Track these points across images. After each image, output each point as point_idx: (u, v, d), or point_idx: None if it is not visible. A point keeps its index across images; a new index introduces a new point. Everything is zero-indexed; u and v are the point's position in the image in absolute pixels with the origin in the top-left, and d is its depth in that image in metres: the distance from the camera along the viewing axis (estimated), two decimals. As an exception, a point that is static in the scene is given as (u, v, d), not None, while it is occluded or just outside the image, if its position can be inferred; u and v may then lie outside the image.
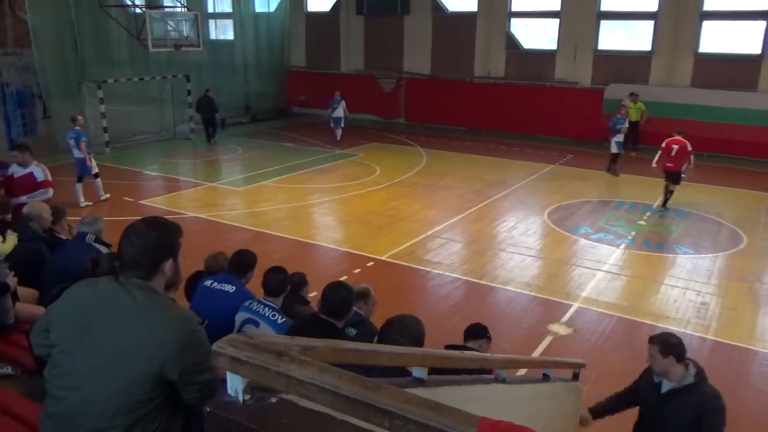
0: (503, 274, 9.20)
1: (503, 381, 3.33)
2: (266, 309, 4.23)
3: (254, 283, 4.76)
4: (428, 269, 9.32)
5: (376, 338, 3.47)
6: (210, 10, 26.06)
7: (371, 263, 9.43)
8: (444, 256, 9.87)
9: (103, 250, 5.03)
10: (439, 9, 21.66)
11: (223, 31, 26.61)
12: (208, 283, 4.67)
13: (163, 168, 15.95)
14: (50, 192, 8.14)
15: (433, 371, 2.63)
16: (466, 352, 3.69)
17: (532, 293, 8.53)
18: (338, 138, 18.89)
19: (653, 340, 3.72)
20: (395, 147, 18.67)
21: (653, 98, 17.52)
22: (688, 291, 8.61)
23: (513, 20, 20.68)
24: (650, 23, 18.37)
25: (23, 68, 17.64)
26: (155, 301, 2.19)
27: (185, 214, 11.70)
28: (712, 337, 7.35)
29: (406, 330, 3.23)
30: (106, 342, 2.10)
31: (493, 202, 13.03)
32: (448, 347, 4.06)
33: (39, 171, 8.14)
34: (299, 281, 5.01)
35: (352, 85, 22.23)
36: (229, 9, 25.50)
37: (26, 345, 3.38)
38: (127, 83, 19.09)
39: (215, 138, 19.11)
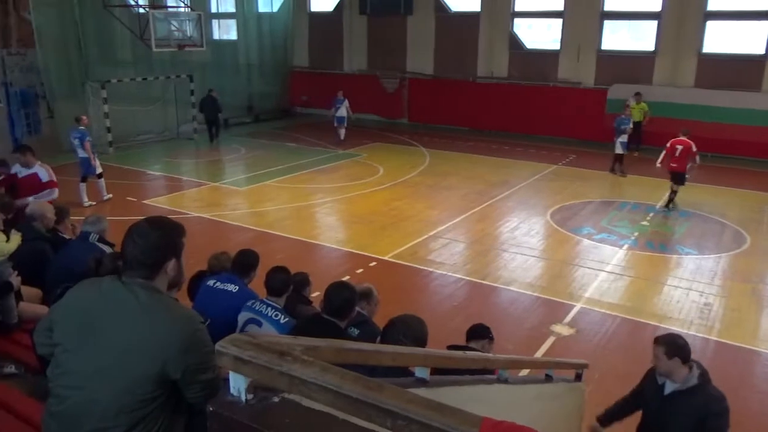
0: (506, 274, 9.19)
1: (506, 381, 3.33)
2: (269, 309, 4.23)
3: (257, 283, 4.76)
4: (431, 269, 9.32)
5: (378, 338, 3.47)
6: (213, 10, 26.11)
7: (374, 263, 9.43)
8: (447, 256, 9.87)
9: (107, 249, 5.04)
10: (442, 9, 21.65)
11: (226, 31, 26.63)
12: (211, 282, 4.68)
13: (166, 168, 15.98)
14: (56, 192, 8.16)
15: (435, 371, 2.63)
16: (469, 353, 3.69)
17: (535, 294, 8.52)
18: (342, 137, 18.88)
19: (659, 341, 3.70)
20: (398, 147, 18.67)
21: (657, 98, 17.49)
22: (691, 292, 8.59)
23: (516, 20, 20.65)
24: (654, 23, 18.33)
25: (27, 68, 17.66)
26: (158, 301, 2.19)
27: (188, 213, 11.72)
28: (716, 338, 7.33)
29: (408, 330, 3.24)
30: (110, 341, 2.11)
31: (496, 202, 13.01)
32: (451, 347, 4.05)
33: (43, 171, 8.15)
34: (302, 281, 5.01)
35: (355, 85, 22.23)
36: (232, 9, 25.52)
37: (30, 344, 3.40)
38: (131, 83, 19.12)
39: (218, 138, 19.14)
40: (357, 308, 4.03)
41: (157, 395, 2.12)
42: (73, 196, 11.54)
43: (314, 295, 5.28)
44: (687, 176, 12.25)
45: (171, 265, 2.25)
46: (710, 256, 10.01)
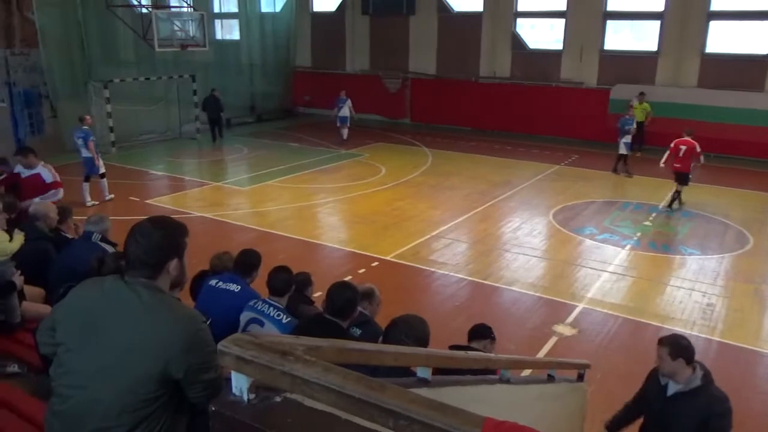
0: (508, 274, 9.18)
1: (508, 381, 3.33)
2: (271, 308, 4.23)
3: (259, 283, 4.77)
4: (433, 269, 9.32)
5: (380, 338, 3.47)
6: (216, 10, 26.14)
7: (376, 263, 9.43)
8: (449, 256, 9.86)
9: (109, 249, 5.05)
10: (445, 9, 21.65)
11: (229, 31, 26.68)
12: (213, 282, 4.69)
13: (168, 167, 16.00)
14: (61, 192, 8.16)
15: (437, 371, 2.63)
16: (471, 353, 3.68)
17: (537, 294, 8.51)
18: (345, 137, 18.89)
19: (663, 341, 3.69)
20: (400, 147, 18.67)
21: (660, 99, 17.46)
22: (694, 292, 8.57)
23: (519, 20, 20.64)
24: (656, 23, 18.30)
25: (30, 68, 17.72)
26: (161, 300, 2.19)
27: (191, 213, 11.73)
28: (718, 339, 7.32)
29: (410, 330, 3.23)
30: (112, 341, 2.11)
31: (499, 202, 13.01)
32: (453, 347, 4.05)
33: (46, 172, 8.15)
34: (304, 281, 5.02)
35: (358, 86, 22.23)
36: (235, 9, 25.57)
37: (32, 343, 3.40)
38: (134, 83, 19.17)
39: (221, 138, 19.17)
40: (359, 308, 4.03)
41: (160, 395, 2.12)
42: (76, 195, 11.57)
43: (316, 295, 5.29)
44: (690, 176, 12.24)
45: (173, 264, 2.25)
46: (713, 256, 9.99)
